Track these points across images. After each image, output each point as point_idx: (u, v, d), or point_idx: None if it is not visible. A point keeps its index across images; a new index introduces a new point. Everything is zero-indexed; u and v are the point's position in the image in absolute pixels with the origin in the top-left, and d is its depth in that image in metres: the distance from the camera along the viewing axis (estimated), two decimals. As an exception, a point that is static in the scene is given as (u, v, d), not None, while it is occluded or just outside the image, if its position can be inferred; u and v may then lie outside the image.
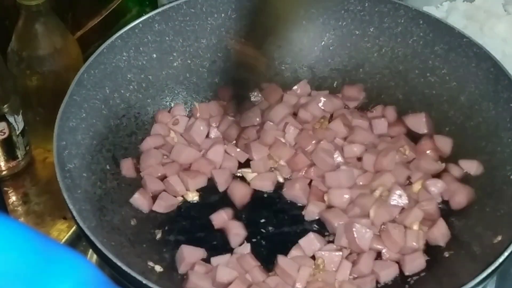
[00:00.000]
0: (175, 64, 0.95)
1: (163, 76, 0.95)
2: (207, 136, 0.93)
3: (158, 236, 0.84)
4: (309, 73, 1.00)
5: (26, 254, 0.42)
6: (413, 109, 0.95)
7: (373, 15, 0.97)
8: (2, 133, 0.92)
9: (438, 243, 0.83)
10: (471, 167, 0.87)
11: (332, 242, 0.83)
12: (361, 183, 0.87)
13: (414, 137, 0.93)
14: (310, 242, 0.82)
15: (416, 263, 0.80)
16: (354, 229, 0.80)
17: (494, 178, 0.84)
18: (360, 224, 0.81)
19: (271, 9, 0.81)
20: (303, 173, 0.89)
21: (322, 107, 0.95)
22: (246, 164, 0.91)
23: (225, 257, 0.81)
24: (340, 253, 0.81)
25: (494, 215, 0.81)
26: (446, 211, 0.86)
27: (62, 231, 0.93)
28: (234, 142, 0.92)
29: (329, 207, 0.86)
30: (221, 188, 0.88)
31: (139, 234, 0.83)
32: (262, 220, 0.85)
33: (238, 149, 0.91)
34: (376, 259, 0.81)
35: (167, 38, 0.94)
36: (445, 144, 0.91)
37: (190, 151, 0.90)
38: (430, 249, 0.83)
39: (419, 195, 0.86)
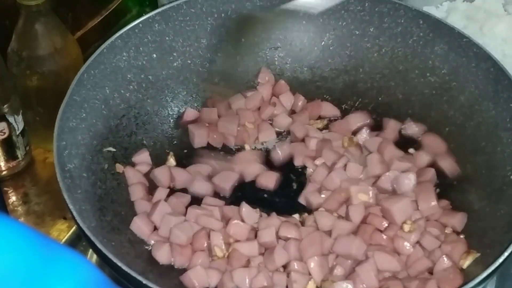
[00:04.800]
0: (175, 64, 0.95)
1: (163, 76, 0.95)
2: None
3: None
4: (309, 73, 1.00)
5: (26, 254, 0.42)
6: (413, 109, 0.96)
7: (373, 15, 0.97)
8: (2, 133, 0.92)
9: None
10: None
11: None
12: None
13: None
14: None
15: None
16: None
17: (494, 178, 0.84)
18: None
19: None
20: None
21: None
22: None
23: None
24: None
25: (494, 215, 0.81)
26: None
27: (62, 231, 0.93)
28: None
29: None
30: None
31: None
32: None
33: None
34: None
35: (167, 38, 0.94)
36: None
37: None
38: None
39: None
